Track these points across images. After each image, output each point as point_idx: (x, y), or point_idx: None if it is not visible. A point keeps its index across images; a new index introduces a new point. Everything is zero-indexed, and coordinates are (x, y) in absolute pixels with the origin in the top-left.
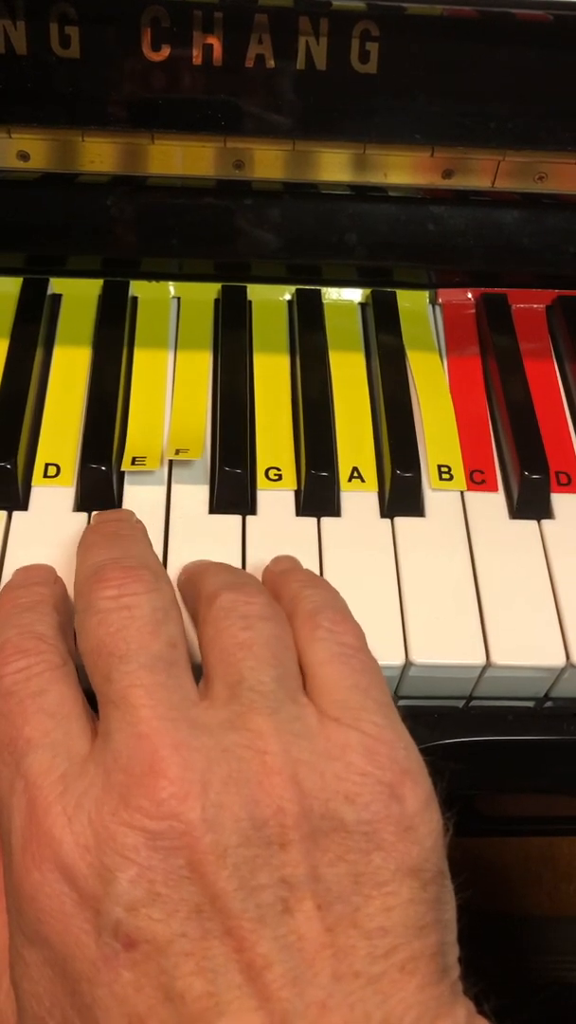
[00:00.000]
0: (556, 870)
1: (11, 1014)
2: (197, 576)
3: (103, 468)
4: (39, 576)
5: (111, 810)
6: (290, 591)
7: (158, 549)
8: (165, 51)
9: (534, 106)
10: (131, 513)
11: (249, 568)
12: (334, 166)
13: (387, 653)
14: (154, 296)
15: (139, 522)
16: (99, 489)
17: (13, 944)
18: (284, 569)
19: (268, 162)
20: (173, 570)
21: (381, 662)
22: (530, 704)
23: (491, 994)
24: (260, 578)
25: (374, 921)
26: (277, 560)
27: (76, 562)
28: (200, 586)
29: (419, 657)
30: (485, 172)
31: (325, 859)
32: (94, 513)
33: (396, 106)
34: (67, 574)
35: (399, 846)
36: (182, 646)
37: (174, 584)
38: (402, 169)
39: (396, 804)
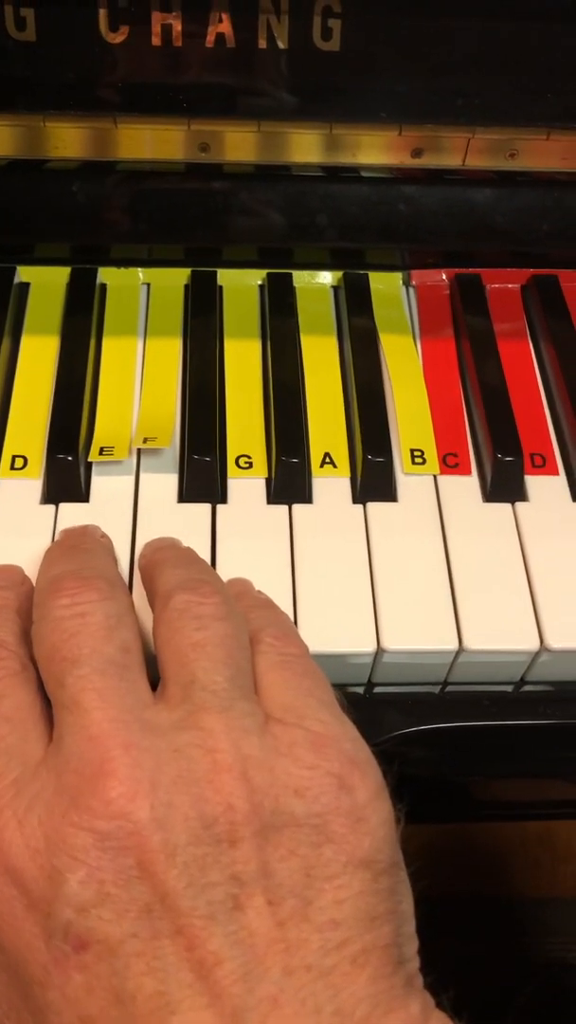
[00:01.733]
0: (554, 852)
1: None
2: (154, 568)
3: (70, 459)
4: (3, 580)
5: (61, 812)
6: (239, 611)
7: (126, 540)
8: (123, 32)
9: (502, 81)
10: (96, 528)
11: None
12: (301, 147)
13: (360, 640)
14: (123, 283)
15: (104, 536)
16: (66, 480)
17: None
18: (237, 593)
19: (234, 144)
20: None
21: (353, 649)
22: (508, 688)
23: (483, 979)
24: None
25: (325, 914)
26: (232, 582)
27: (38, 575)
28: (156, 583)
29: (391, 644)
30: (455, 150)
31: (276, 854)
32: (60, 529)
33: (360, 84)
34: (34, 569)
35: (350, 838)
36: (136, 651)
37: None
38: (371, 149)
39: (346, 795)
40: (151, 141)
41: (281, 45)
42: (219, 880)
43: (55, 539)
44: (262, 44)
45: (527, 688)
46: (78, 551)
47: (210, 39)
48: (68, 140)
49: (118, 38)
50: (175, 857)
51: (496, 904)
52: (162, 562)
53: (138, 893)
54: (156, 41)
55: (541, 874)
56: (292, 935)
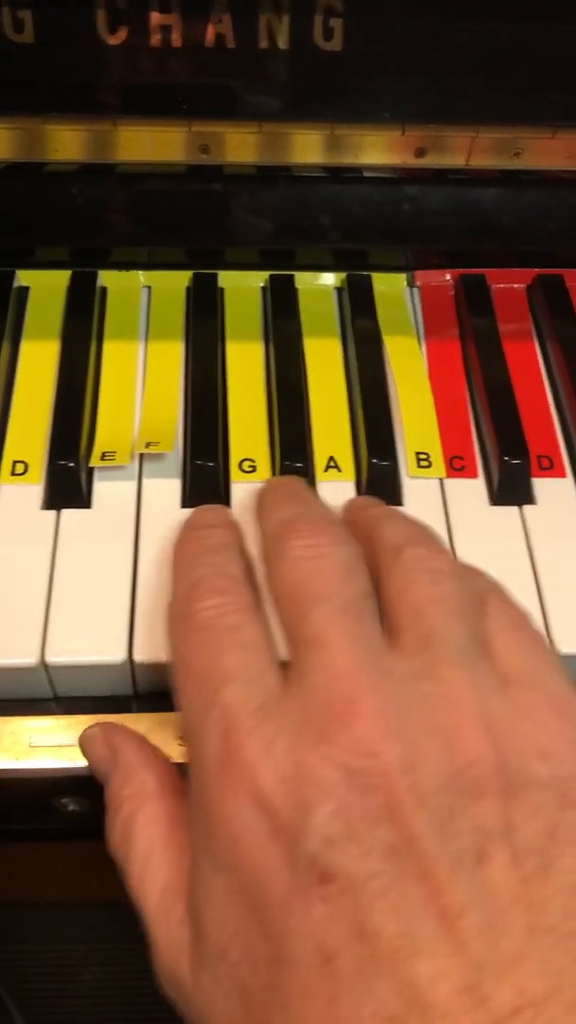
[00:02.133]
0: None
1: (184, 946)
2: (374, 522)
3: (71, 464)
4: (222, 518)
5: (310, 743)
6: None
7: (129, 546)
8: (122, 34)
9: (505, 80)
10: (302, 479)
11: None
12: (303, 148)
13: None
14: (124, 286)
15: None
16: (68, 486)
17: (198, 870)
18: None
19: (235, 145)
20: (143, 579)
21: None
22: None
23: None
24: None
25: (569, 877)
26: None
27: (259, 519)
28: (380, 535)
29: None
30: (459, 150)
31: (521, 812)
32: (267, 479)
33: (362, 84)
34: (39, 576)
35: None
36: (373, 598)
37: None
38: (373, 149)
39: None
40: (151, 143)
41: (282, 45)
42: (465, 830)
43: (265, 486)
44: (263, 44)
45: None
46: (301, 497)
47: (209, 40)
48: (67, 143)
49: (117, 39)
50: (424, 802)
51: None
52: (381, 517)
53: (385, 833)
54: (155, 42)
55: None
56: (535, 894)
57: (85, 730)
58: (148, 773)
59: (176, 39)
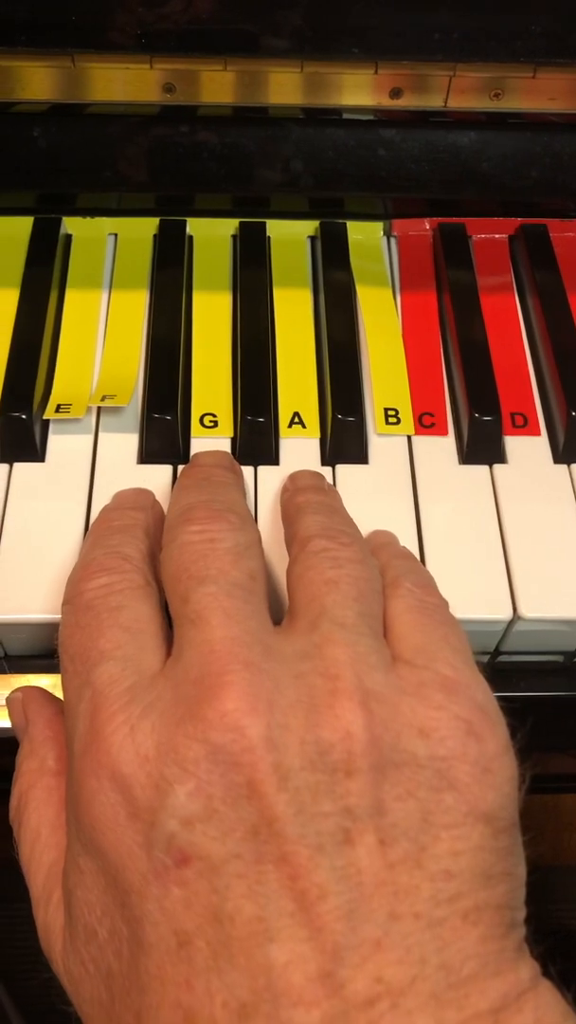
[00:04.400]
0: (559, 820)
1: (59, 928)
2: (296, 512)
3: (23, 416)
4: (135, 501)
5: (175, 721)
6: (381, 560)
7: (82, 502)
8: None
9: (482, 12)
10: (229, 457)
11: None
12: (271, 88)
13: None
14: (89, 234)
15: (236, 467)
16: (19, 439)
17: (70, 852)
18: (380, 543)
19: (200, 85)
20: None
21: None
22: (483, 659)
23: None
24: None
25: (440, 863)
26: (376, 533)
27: (170, 502)
28: (296, 526)
29: None
30: (436, 90)
31: (393, 792)
32: (194, 453)
33: (329, 17)
34: None
35: (474, 788)
36: (262, 582)
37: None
38: (346, 89)
39: (474, 743)
40: (111, 81)
41: None
42: (330, 811)
43: (186, 467)
44: None
45: (502, 659)
46: (210, 483)
47: None
48: (25, 81)
49: None
50: (287, 781)
51: None
52: (305, 507)
53: (246, 813)
54: None
55: (545, 842)
56: (402, 879)
57: (12, 692)
58: (50, 750)
59: None
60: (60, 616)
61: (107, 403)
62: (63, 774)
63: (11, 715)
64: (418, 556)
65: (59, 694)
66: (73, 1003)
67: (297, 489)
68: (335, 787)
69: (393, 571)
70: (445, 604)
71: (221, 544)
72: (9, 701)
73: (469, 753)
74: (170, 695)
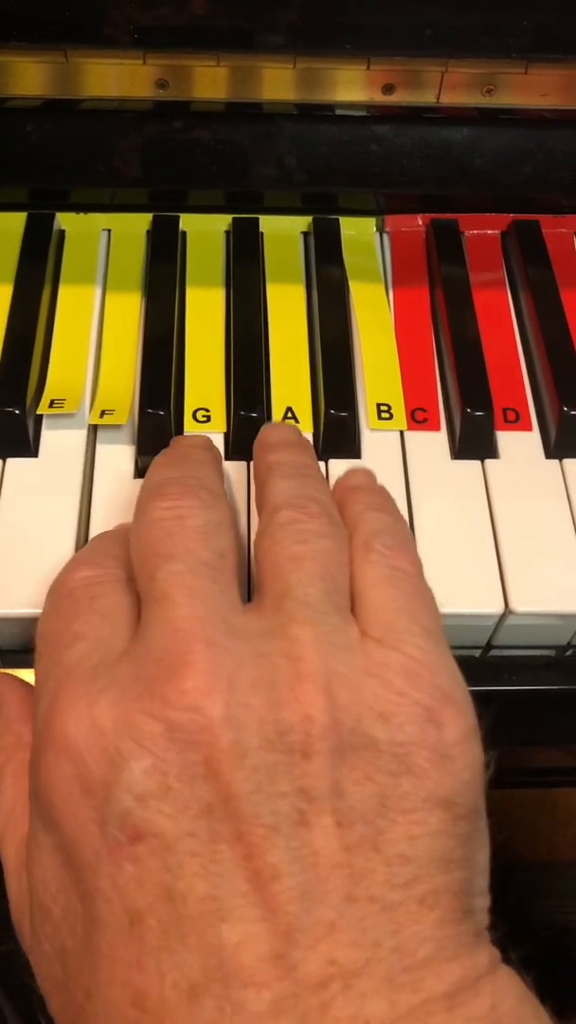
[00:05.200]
0: (554, 817)
1: (27, 906)
2: (267, 474)
3: (16, 412)
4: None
5: (134, 697)
6: (353, 511)
7: (75, 497)
8: None
9: (474, 9)
10: (208, 440)
11: None
12: (264, 83)
13: None
14: (82, 229)
15: (214, 449)
16: (12, 434)
17: (31, 828)
18: (355, 485)
19: (193, 81)
20: (94, 531)
21: None
22: (475, 654)
23: (517, 940)
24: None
25: (396, 847)
26: (351, 472)
27: (144, 479)
28: (265, 492)
29: None
30: (429, 86)
31: (351, 776)
32: (174, 437)
33: (320, 12)
34: None
35: (432, 774)
36: (231, 560)
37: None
38: (339, 85)
39: (433, 729)
40: (105, 77)
41: None
42: (287, 791)
43: (165, 448)
44: None
45: (492, 653)
46: (186, 461)
47: None
48: (19, 76)
49: None
50: (244, 760)
51: (494, 867)
52: (275, 468)
53: (202, 792)
54: None
55: (540, 838)
56: (358, 862)
57: None
58: (25, 726)
59: None
60: None
61: (106, 420)
62: None
63: None
64: None
65: None
66: (37, 982)
67: (269, 446)
68: (292, 768)
69: (364, 529)
70: (419, 569)
71: (191, 521)
72: None
73: (428, 740)
74: (131, 672)
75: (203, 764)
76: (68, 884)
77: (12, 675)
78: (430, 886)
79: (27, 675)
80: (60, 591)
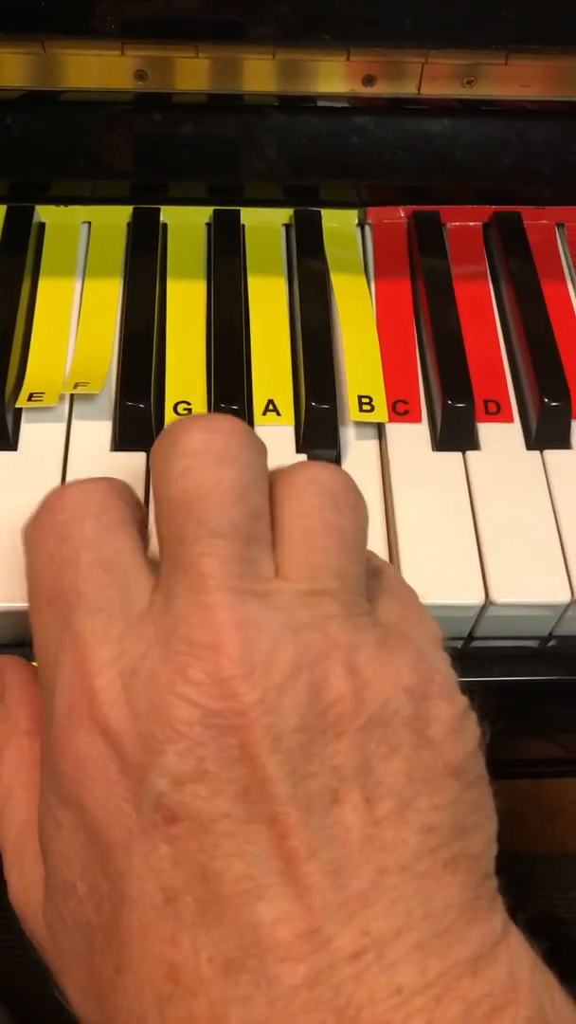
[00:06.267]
0: (541, 808)
1: (37, 881)
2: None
3: None
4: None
5: (168, 680)
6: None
7: None
8: None
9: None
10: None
11: None
12: (244, 74)
13: None
14: (62, 222)
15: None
16: None
17: (46, 804)
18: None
19: (172, 72)
20: None
21: None
22: (457, 645)
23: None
24: None
25: (423, 817)
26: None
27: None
28: (286, 469)
29: None
30: (409, 77)
31: (379, 752)
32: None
33: (298, 2)
34: None
35: (446, 746)
36: (266, 518)
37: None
38: (319, 76)
39: (445, 704)
40: (83, 68)
41: None
42: (319, 771)
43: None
44: None
45: (474, 644)
46: (214, 419)
47: None
48: None
49: None
50: (280, 743)
51: None
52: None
53: (237, 774)
54: None
55: (527, 830)
56: (388, 835)
57: None
58: (24, 711)
59: None
60: (25, 550)
61: (80, 390)
62: (36, 734)
63: None
64: (390, 542)
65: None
66: (47, 954)
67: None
68: (325, 747)
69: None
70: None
71: (228, 471)
72: None
73: (442, 714)
74: (161, 649)
75: (239, 748)
76: (93, 862)
77: (18, 658)
78: (451, 852)
79: None
80: (47, 524)
